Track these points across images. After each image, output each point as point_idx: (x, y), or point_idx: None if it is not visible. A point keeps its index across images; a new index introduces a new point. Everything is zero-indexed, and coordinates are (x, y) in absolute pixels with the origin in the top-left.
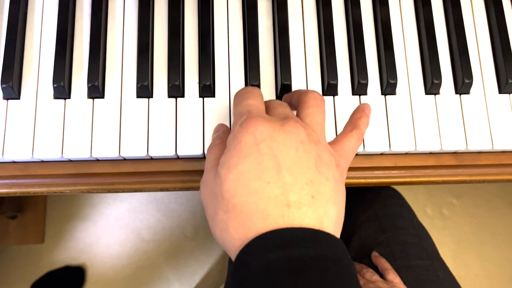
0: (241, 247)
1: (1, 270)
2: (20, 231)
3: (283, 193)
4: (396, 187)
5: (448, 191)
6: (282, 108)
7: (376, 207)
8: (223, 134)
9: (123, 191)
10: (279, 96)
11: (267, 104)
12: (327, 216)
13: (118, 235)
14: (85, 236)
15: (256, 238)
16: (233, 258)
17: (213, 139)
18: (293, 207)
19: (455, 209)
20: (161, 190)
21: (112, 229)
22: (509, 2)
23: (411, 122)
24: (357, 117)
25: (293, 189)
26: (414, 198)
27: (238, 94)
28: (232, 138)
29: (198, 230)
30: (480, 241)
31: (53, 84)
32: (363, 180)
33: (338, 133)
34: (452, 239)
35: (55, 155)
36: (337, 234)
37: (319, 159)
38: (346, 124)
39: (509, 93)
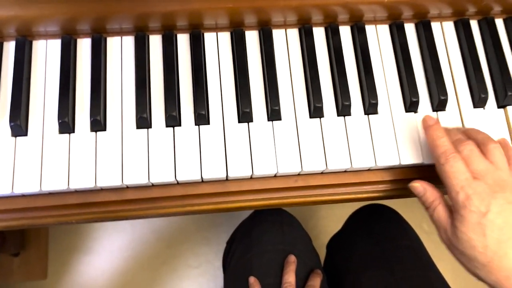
0: None
1: None
2: (24, 268)
3: None
4: (394, 204)
5: None
6: None
7: (371, 223)
8: None
9: (126, 218)
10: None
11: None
12: None
13: (121, 266)
14: (89, 269)
15: None
16: None
17: None
18: None
19: None
20: (162, 215)
21: (115, 261)
22: (477, 25)
23: (393, 138)
24: None
25: None
26: (411, 214)
27: None
28: None
29: (199, 257)
30: None
31: (58, 120)
32: (353, 196)
33: (326, 152)
34: (450, 253)
35: (62, 187)
36: None
37: None
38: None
39: (481, 107)
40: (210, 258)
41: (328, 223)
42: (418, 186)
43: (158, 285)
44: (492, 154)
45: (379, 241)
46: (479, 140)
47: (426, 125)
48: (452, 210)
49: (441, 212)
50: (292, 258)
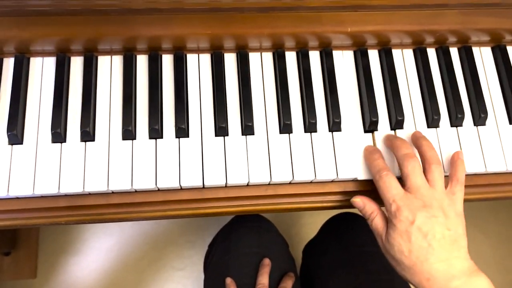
0: None
1: None
2: (14, 267)
3: None
4: None
5: None
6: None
7: (341, 231)
8: None
9: (112, 220)
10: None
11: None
12: None
13: (108, 267)
14: (77, 269)
15: None
16: None
17: None
18: None
19: None
20: (145, 219)
21: (102, 262)
22: (434, 52)
23: (354, 153)
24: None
25: None
26: None
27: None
28: None
29: (184, 260)
30: None
31: (51, 130)
32: (318, 204)
33: (293, 165)
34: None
35: (53, 191)
36: None
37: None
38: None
39: (435, 127)
40: (194, 261)
41: (309, 231)
42: (358, 201)
43: (144, 286)
44: (432, 173)
45: (348, 247)
46: (427, 158)
47: (366, 151)
48: (388, 220)
49: (378, 222)
50: (266, 261)
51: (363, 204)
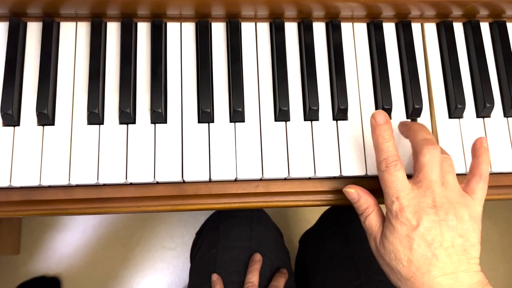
0: None
1: None
2: None
3: None
4: None
5: None
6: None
7: (343, 222)
8: None
9: (78, 214)
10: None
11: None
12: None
13: (95, 244)
14: (62, 246)
15: None
16: None
17: None
18: None
19: None
20: (116, 213)
21: (89, 238)
22: (461, 27)
23: (362, 147)
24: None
25: None
26: None
27: None
28: None
29: (175, 239)
30: None
31: (1, 111)
32: (318, 202)
33: (289, 159)
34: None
35: (3, 184)
36: None
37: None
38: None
39: (458, 118)
40: (186, 240)
41: (308, 213)
42: (352, 192)
43: (132, 264)
44: (446, 171)
45: (349, 242)
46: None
47: (375, 123)
48: (386, 218)
49: (373, 220)
50: (257, 257)
51: (358, 196)
